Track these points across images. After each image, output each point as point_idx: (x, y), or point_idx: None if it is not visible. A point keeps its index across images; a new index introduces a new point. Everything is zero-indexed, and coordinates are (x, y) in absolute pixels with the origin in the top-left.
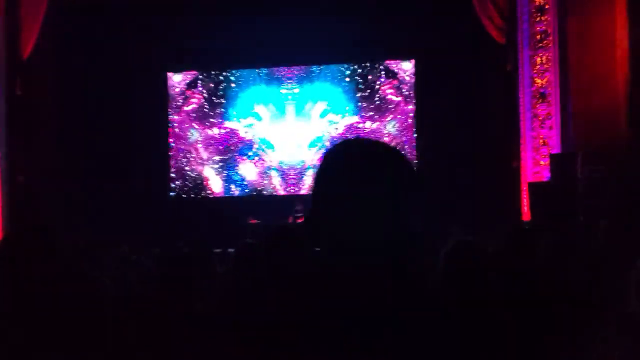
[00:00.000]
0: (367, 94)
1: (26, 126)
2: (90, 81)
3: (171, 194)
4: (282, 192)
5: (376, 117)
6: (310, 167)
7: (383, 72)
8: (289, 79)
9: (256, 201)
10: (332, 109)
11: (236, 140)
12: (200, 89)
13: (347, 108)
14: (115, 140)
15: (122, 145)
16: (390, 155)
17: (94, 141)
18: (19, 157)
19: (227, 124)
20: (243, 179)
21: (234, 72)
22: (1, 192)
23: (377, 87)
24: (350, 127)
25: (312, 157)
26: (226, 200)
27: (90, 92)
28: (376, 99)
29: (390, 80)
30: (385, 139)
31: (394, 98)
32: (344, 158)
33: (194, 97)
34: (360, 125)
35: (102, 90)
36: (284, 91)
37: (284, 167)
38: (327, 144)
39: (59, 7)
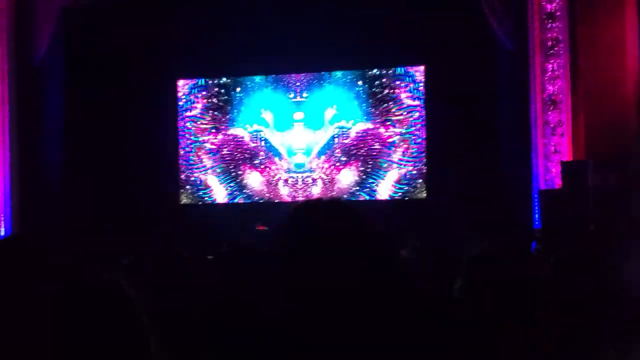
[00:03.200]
0: (380, 98)
1: (36, 132)
2: (99, 87)
3: (182, 201)
4: (289, 199)
5: (390, 122)
6: (321, 176)
7: (398, 75)
8: (298, 85)
9: (264, 208)
10: (342, 116)
11: (243, 147)
12: (204, 93)
13: (359, 114)
14: (124, 146)
15: (131, 152)
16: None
17: (102, 147)
18: (29, 162)
19: (233, 130)
20: (250, 187)
21: (241, 78)
22: (11, 197)
23: (391, 91)
24: (362, 133)
25: (322, 165)
26: (234, 207)
27: (100, 97)
28: (390, 103)
29: (407, 83)
30: (403, 146)
31: (411, 102)
32: (309, 220)
33: (198, 102)
34: (374, 131)
35: (111, 96)
36: (292, 97)
37: (292, 174)
38: (338, 151)
39: (70, 13)
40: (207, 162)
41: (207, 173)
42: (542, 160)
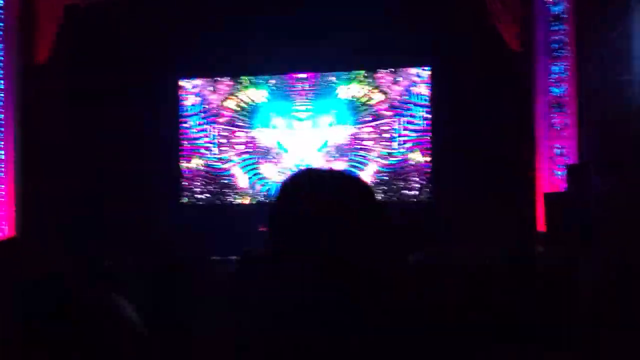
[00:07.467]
0: (385, 99)
1: (39, 132)
2: (103, 87)
3: (183, 200)
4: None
5: (396, 123)
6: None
7: (404, 77)
8: (301, 85)
9: (266, 209)
10: (348, 117)
11: (243, 147)
12: (206, 93)
13: (366, 115)
14: (126, 146)
15: (134, 152)
16: (339, 181)
17: (105, 147)
18: (32, 163)
19: (234, 130)
20: (251, 187)
21: (243, 78)
22: (14, 197)
23: (397, 92)
24: (368, 135)
25: (328, 167)
26: (234, 208)
27: (103, 98)
28: (396, 105)
29: (412, 84)
30: (410, 148)
31: (416, 103)
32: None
33: (200, 103)
34: (378, 130)
35: (115, 96)
36: (295, 97)
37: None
38: (345, 152)
39: (74, 11)
40: (207, 162)
41: (207, 173)
42: (547, 163)
